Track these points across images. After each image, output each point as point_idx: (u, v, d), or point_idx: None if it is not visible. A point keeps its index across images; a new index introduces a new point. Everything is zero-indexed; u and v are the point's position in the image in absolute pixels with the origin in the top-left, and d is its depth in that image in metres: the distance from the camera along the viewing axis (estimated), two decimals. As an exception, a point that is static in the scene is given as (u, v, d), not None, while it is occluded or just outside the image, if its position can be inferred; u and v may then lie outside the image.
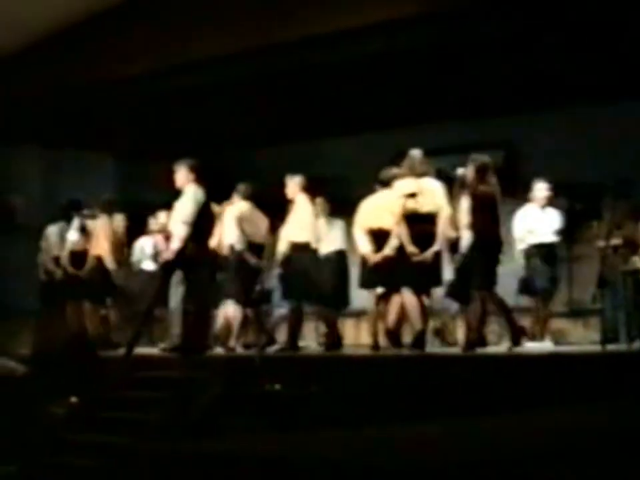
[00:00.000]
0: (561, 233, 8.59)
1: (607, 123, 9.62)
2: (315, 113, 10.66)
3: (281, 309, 9.07)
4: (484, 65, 8.96)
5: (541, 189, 8.55)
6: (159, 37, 9.07)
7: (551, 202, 8.60)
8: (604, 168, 9.31)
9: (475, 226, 7.45)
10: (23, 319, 10.16)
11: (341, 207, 9.25)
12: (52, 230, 10.03)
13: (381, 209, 8.02)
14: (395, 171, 8.07)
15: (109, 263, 9.59)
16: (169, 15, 9.08)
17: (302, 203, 8.58)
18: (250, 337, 9.27)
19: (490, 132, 10.40)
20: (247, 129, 11.04)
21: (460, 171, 7.78)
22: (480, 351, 7.46)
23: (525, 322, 8.63)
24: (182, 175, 8.15)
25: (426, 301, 7.67)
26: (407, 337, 7.99)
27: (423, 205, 7.62)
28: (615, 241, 7.97)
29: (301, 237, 8.48)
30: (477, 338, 7.55)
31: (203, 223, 8.04)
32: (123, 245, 9.89)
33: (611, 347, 7.06)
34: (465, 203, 7.60)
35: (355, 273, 8.82)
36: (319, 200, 9.14)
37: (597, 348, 7.20)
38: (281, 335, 9.04)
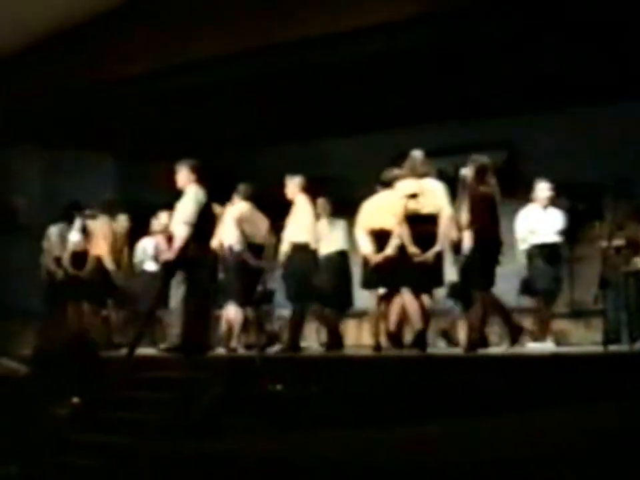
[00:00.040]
0: (564, 233, 8.58)
1: (608, 123, 9.62)
2: (316, 113, 10.65)
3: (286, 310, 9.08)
4: (484, 65, 8.97)
5: (542, 189, 8.55)
6: (159, 37, 9.07)
7: (553, 202, 8.59)
8: (605, 168, 9.32)
9: (474, 226, 7.45)
10: (24, 320, 10.16)
11: (343, 207, 9.25)
12: (53, 230, 10.05)
13: (383, 209, 8.03)
14: (396, 171, 8.07)
15: (108, 263, 9.60)
16: (169, 15, 9.08)
17: (301, 203, 8.58)
18: (251, 337, 9.26)
19: (491, 132, 10.40)
20: (248, 129, 11.04)
21: (463, 171, 7.78)
22: (482, 351, 7.46)
23: (527, 322, 8.63)
24: (183, 176, 8.15)
25: (428, 301, 7.66)
26: (409, 338, 7.99)
27: (424, 206, 7.62)
28: (617, 242, 7.96)
29: (300, 238, 8.48)
30: (478, 338, 7.54)
31: (204, 223, 8.04)
32: (122, 246, 9.88)
33: (612, 348, 7.05)
34: (466, 203, 7.61)
35: (356, 273, 8.82)
36: (320, 200, 9.14)
37: (598, 349, 7.19)
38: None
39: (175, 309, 8.00)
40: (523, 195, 8.82)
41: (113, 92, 10.00)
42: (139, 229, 10.26)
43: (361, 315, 9.35)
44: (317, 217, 8.99)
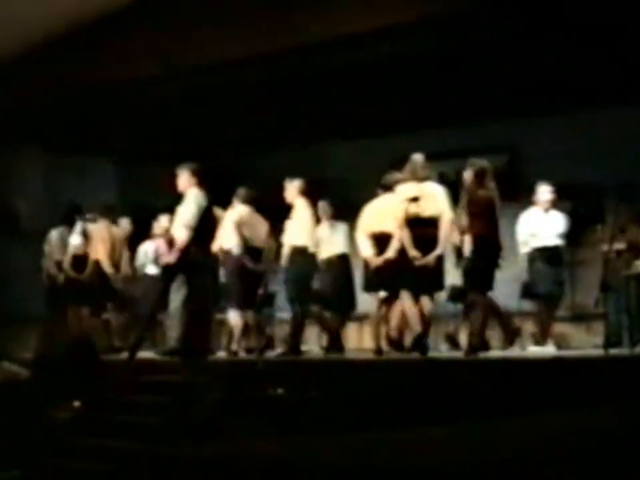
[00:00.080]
0: (565, 236, 8.57)
1: (609, 124, 9.61)
2: (317, 116, 10.65)
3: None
4: (484, 68, 8.96)
5: (544, 192, 8.54)
6: (160, 41, 9.08)
7: (554, 205, 8.59)
8: (606, 169, 9.32)
9: (473, 230, 7.46)
10: (26, 323, 10.16)
11: (344, 210, 9.26)
12: (54, 234, 10.06)
13: (384, 213, 8.03)
14: (397, 175, 8.08)
15: (106, 267, 9.61)
16: (170, 19, 9.09)
17: (300, 206, 8.58)
18: (252, 341, 9.26)
19: (492, 135, 10.39)
20: (249, 132, 11.05)
21: (466, 174, 7.79)
22: (483, 355, 7.46)
23: (528, 326, 8.63)
24: (184, 179, 8.15)
25: (429, 305, 7.66)
26: (410, 341, 7.99)
27: (425, 209, 7.62)
28: (619, 245, 7.96)
29: (299, 241, 8.49)
30: (479, 342, 7.54)
31: (205, 226, 8.04)
32: (121, 249, 9.88)
33: (613, 351, 7.04)
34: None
35: (358, 276, 8.83)
36: (321, 203, 9.14)
37: (599, 352, 7.19)
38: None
39: (174, 312, 7.99)
40: (525, 198, 8.82)
41: (115, 95, 10.01)
42: (141, 232, 10.27)
43: (361, 318, 9.34)
44: (319, 219, 9.00)
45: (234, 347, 8.82)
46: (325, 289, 8.92)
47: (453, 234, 7.67)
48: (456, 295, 8.51)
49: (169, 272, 8.16)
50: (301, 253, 8.46)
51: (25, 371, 8.32)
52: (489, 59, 8.72)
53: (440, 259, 7.60)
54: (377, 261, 8.10)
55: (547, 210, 8.55)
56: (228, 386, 7.10)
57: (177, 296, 7.93)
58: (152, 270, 10.00)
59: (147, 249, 10.15)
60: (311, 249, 8.56)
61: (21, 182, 11.85)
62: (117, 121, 10.89)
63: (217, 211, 8.68)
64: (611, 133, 9.59)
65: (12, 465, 7.03)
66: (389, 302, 8.24)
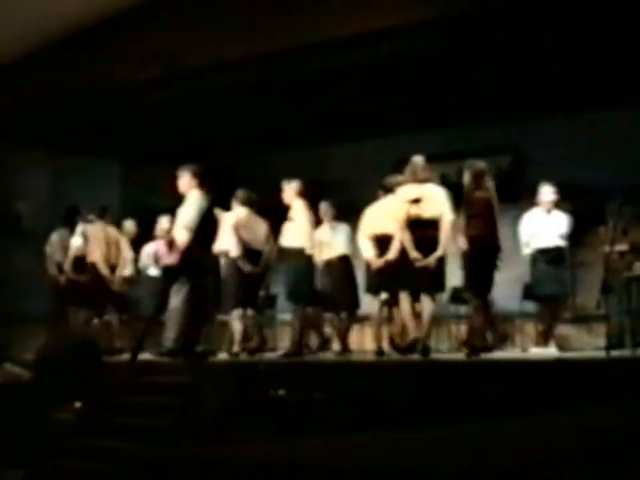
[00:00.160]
0: (568, 236, 8.56)
1: (611, 125, 9.60)
2: (318, 117, 10.65)
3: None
4: (487, 69, 8.96)
5: (547, 193, 8.53)
6: (161, 42, 9.08)
7: (557, 205, 8.58)
8: (607, 170, 9.31)
9: (471, 232, 7.46)
10: (27, 324, 10.16)
11: (345, 211, 9.26)
12: (55, 236, 10.07)
13: (385, 215, 8.04)
14: (398, 177, 8.09)
15: (102, 269, 9.62)
16: (170, 20, 9.09)
17: (297, 208, 8.58)
18: (253, 342, 9.26)
19: (494, 136, 10.39)
20: (250, 133, 11.05)
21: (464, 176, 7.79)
22: (484, 356, 7.46)
23: (529, 328, 8.62)
24: (185, 181, 8.15)
25: (431, 306, 7.65)
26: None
27: (426, 211, 7.62)
28: (621, 247, 7.95)
29: (296, 243, 8.49)
30: (481, 344, 7.54)
31: (206, 228, 8.04)
32: (118, 251, 9.88)
33: (615, 353, 7.04)
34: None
35: (360, 278, 8.83)
36: (323, 204, 9.14)
37: (601, 354, 7.18)
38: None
39: (172, 313, 7.97)
40: (528, 199, 8.81)
41: (116, 96, 10.01)
42: (145, 233, 10.27)
43: (363, 319, 9.34)
44: (319, 221, 9.00)
45: (235, 348, 8.82)
46: (326, 291, 8.92)
47: (459, 238, 7.66)
48: (458, 296, 8.52)
49: (169, 273, 8.16)
50: (296, 255, 8.47)
51: (26, 372, 8.33)
52: (490, 60, 8.71)
53: (441, 260, 7.60)
54: (378, 263, 8.11)
55: (549, 211, 8.55)
56: (231, 388, 7.10)
57: (176, 297, 7.93)
58: (154, 271, 10.00)
59: (149, 250, 10.16)
60: (308, 251, 8.57)
61: (22, 183, 11.86)
62: (118, 122, 10.89)
63: (218, 213, 8.68)
64: (613, 133, 9.58)
65: (14, 465, 7.04)
66: (390, 303, 8.25)
